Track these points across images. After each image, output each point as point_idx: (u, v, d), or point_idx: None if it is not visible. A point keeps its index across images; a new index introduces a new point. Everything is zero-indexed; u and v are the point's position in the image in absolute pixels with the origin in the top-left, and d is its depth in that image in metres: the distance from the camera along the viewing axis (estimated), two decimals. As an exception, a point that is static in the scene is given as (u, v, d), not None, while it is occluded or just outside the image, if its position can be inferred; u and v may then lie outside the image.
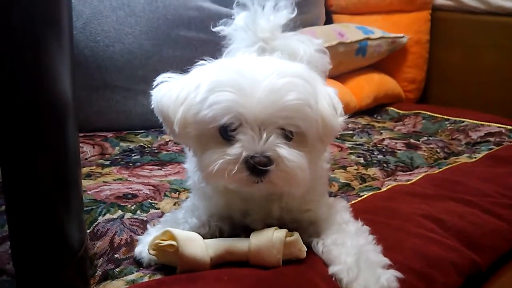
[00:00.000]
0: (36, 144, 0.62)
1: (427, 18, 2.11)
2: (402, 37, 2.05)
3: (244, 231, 0.83)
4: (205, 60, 0.77)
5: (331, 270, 0.73)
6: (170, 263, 0.73)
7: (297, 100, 0.69)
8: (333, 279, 0.72)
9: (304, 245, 0.76)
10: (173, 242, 0.70)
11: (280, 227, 0.77)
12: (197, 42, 1.55)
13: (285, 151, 0.69)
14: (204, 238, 0.75)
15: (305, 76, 0.73)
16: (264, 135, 0.69)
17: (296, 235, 0.74)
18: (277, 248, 0.71)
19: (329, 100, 0.76)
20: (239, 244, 0.74)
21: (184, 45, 1.54)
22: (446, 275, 0.80)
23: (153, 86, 0.78)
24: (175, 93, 0.74)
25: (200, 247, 0.71)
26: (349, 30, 1.96)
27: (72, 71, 0.65)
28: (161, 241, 0.71)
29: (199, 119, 0.71)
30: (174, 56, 1.52)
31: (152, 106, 0.78)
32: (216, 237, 0.80)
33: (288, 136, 0.71)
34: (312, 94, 0.72)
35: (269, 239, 0.71)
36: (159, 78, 0.78)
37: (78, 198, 0.70)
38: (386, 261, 0.73)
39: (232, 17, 0.95)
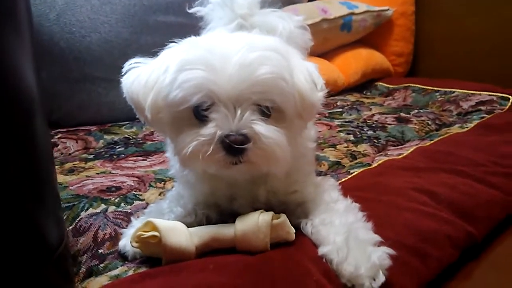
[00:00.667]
0: (1, 141, 0.59)
1: (411, -11, 2.08)
2: (387, 9, 2.01)
3: (232, 217, 0.81)
4: (175, 42, 0.74)
5: (321, 251, 0.71)
6: (154, 255, 0.71)
7: (270, 74, 0.66)
8: (323, 260, 0.70)
9: (292, 227, 0.73)
10: (156, 233, 0.67)
11: (267, 211, 0.74)
12: (176, 26, 1.51)
13: (262, 128, 0.66)
14: (191, 227, 0.72)
15: (278, 49, 0.70)
16: (239, 112, 0.66)
17: (283, 217, 0.72)
18: (263, 232, 0.69)
19: (307, 75, 0.73)
20: (225, 230, 0.71)
21: (163, 31, 1.50)
22: (441, 249, 0.77)
23: (122, 73, 0.75)
24: (144, 78, 0.71)
25: (184, 236, 0.68)
26: (332, 6, 1.93)
27: (34, 64, 0.62)
28: (143, 233, 0.68)
29: (169, 101, 0.68)
30: (153, 42, 1.47)
31: (124, 95, 0.75)
32: (203, 225, 0.77)
33: (265, 112, 0.68)
34: (286, 68, 0.69)
35: (255, 223, 0.69)
36: (127, 65, 0.74)
37: (53, 194, 0.67)
38: (377, 238, 0.70)
39: (209, -2, 0.92)
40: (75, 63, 1.42)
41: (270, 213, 0.70)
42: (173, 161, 0.84)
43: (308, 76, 0.73)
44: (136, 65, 0.74)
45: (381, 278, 0.65)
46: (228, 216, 0.80)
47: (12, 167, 0.60)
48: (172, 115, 0.69)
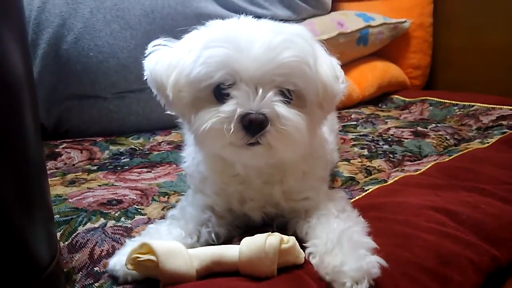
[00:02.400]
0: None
1: (429, 0, 2.02)
2: (404, 21, 1.96)
3: (240, 234, 0.79)
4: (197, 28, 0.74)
5: (308, 244, 0.69)
6: (152, 277, 0.66)
7: (294, 57, 0.66)
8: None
9: (301, 251, 0.68)
10: (152, 257, 0.62)
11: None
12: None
13: (283, 109, 0.66)
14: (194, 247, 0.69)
15: (303, 35, 0.70)
16: (260, 92, 0.65)
17: (292, 241, 0.66)
18: (270, 259, 0.63)
19: (330, 66, 0.74)
20: (228, 253, 0.66)
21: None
22: (463, 274, 0.71)
23: (145, 56, 0.75)
24: (167, 58, 0.72)
25: (183, 259, 0.63)
26: (348, 18, 1.88)
27: (26, 53, 0.58)
28: (140, 255, 0.63)
29: (192, 78, 0.68)
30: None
31: (145, 78, 0.75)
32: (210, 245, 0.73)
33: (286, 97, 0.68)
34: (311, 54, 0.69)
35: (261, 248, 0.63)
36: (150, 46, 0.76)
37: (44, 207, 0.63)
38: (372, 244, 0.66)
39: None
40: (90, 85, 1.38)
41: (279, 237, 0.65)
42: (189, 158, 0.83)
43: (332, 67, 0.73)
44: (159, 47, 0.75)
45: (365, 285, 0.60)
46: (236, 231, 0.80)
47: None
48: (193, 94, 0.69)
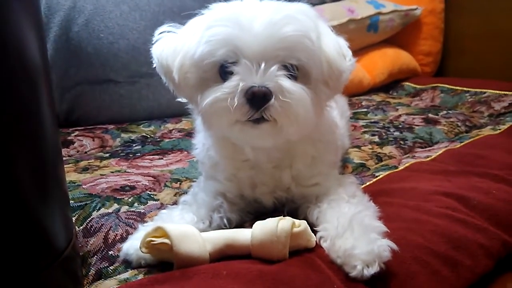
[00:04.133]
0: (8, 135, 0.55)
1: (440, -14, 2.00)
2: (416, 9, 1.94)
3: (251, 220, 0.80)
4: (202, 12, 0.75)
5: (319, 228, 0.70)
6: (165, 260, 0.67)
7: (295, 31, 0.67)
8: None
9: (313, 235, 0.69)
10: (166, 240, 0.63)
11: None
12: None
13: (287, 82, 0.66)
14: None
15: (306, 12, 0.71)
16: (263, 66, 0.65)
17: (304, 225, 0.67)
18: (282, 243, 0.64)
19: (336, 44, 0.74)
20: (241, 237, 0.66)
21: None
22: (473, 258, 0.72)
23: (152, 43, 0.77)
24: (173, 44, 0.74)
25: (196, 243, 0.64)
26: (359, 5, 1.87)
27: (41, 36, 0.58)
28: (154, 239, 0.64)
29: (196, 58, 0.69)
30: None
31: (154, 65, 0.77)
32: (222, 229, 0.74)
33: (291, 72, 0.68)
34: (313, 29, 0.70)
35: (273, 232, 0.64)
36: (157, 33, 0.77)
37: (60, 193, 0.64)
38: (383, 228, 0.67)
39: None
40: (101, 68, 1.39)
41: (290, 221, 0.65)
42: (200, 144, 0.84)
43: (337, 45, 0.73)
44: (165, 34, 0.76)
45: (375, 268, 0.61)
46: (248, 215, 0.81)
47: (18, 161, 0.57)
48: (199, 75, 0.71)
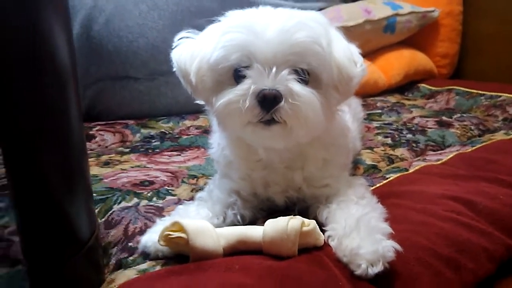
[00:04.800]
0: (38, 132, 0.60)
1: (459, -12, 2.00)
2: (433, 11, 1.94)
3: (264, 216, 0.83)
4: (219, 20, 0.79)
5: (328, 228, 0.73)
6: (182, 253, 0.71)
7: (306, 38, 0.70)
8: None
9: (321, 234, 0.72)
10: (183, 235, 0.67)
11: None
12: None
13: (297, 86, 0.70)
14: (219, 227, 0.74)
15: (317, 19, 0.75)
16: (274, 70, 0.69)
17: (313, 224, 0.70)
18: (292, 241, 0.68)
19: (347, 50, 0.77)
20: (253, 234, 0.70)
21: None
22: (476, 261, 0.74)
23: (172, 47, 0.81)
24: (191, 48, 0.78)
25: (211, 238, 0.68)
26: (376, 6, 1.88)
27: (69, 35, 0.62)
28: (171, 233, 0.68)
29: (212, 62, 0.73)
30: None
31: (174, 70, 0.81)
32: (236, 225, 0.78)
33: (302, 76, 0.72)
34: (324, 35, 0.73)
35: (283, 230, 0.67)
36: (176, 38, 0.81)
37: (85, 187, 0.69)
38: (389, 229, 0.70)
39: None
40: (121, 66, 1.44)
41: (300, 220, 0.69)
42: (216, 144, 0.88)
43: (348, 52, 0.77)
44: (184, 40, 0.80)
45: (379, 268, 0.64)
46: (260, 214, 0.84)
47: (46, 156, 0.61)
48: (215, 78, 0.74)
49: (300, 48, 0.70)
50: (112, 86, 1.46)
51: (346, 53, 0.76)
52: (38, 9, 0.56)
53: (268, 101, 0.68)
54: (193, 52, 0.77)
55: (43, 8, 0.57)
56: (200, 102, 0.82)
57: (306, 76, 0.72)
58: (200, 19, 1.51)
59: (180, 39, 0.81)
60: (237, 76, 0.72)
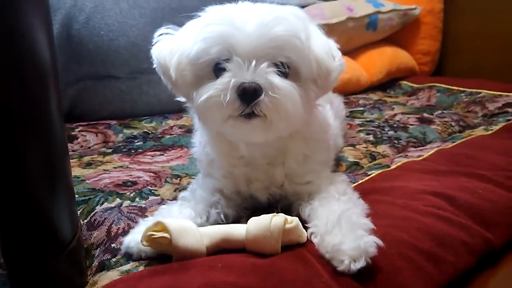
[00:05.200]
0: (18, 132, 0.59)
1: (440, -14, 2.03)
2: (415, 8, 1.97)
3: (247, 215, 0.83)
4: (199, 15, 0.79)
5: (310, 225, 0.74)
6: (165, 253, 0.71)
7: (285, 31, 0.71)
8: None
9: (304, 231, 0.73)
10: (166, 234, 0.67)
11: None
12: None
13: (276, 79, 0.70)
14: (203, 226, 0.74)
15: (296, 14, 0.76)
16: (253, 64, 0.70)
17: (296, 222, 0.71)
18: (275, 238, 0.68)
19: (325, 45, 0.78)
20: (236, 232, 0.70)
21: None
22: (456, 255, 0.75)
23: (152, 44, 0.81)
24: (170, 44, 0.78)
25: (194, 237, 0.68)
26: (358, 4, 1.90)
27: (50, 35, 0.61)
28: (154, 233, 0.68)
29: (192, 56, 0.73)
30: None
31: (154, 66, 0.81)
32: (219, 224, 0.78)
33: (281, 70, 0.72)
34: (302, 29, 0.74)
35: (266, 228, 0.68)
36: (156, 35, 0.81)
37: (67, 188, 0.68)
38: (370, 225, 0.71)
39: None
40: (102, 64, 1.43)
41: (283, 218, 0.69)
42: (198, 143, 0.88)
43: (326, 46, 0.78)
44: (164, 36, 0.80)
45: (362, 263, 0.65)
46: (245, 211, 0.85)
47: (29, 157, 0.60)
48: (195, 73, 0.75)
49: (279, 41, 0.71)
50: (93, 85, 1.45)
51: (324, 48, 0.77)
52: (17, 6, 0.56)
53: (248, 94, 0.69)
54: (173, 47, 0.78)
55: (23, 5, 0.56)
56: (181, 99, 0.82)
57: (285, 69, 0.73)
58: (181, 15, 1.51)
59: (160, 35, 0.81)
60: (217, 70, 0.73)
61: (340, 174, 0.91)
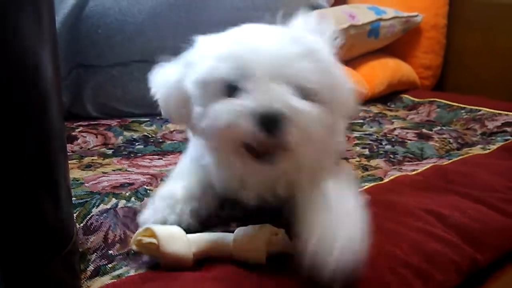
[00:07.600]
0: (15, 132, 0.59)
1: (444, 1, 2.05)
2: (416, 15, 1.98)
3: (236, 219, 0.83)
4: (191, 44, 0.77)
5: (298, 232, 0.71)
6: (154, 257, 0.72)
7: (305, 51, 0.69)
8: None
9: (289, 241, 0.73)
10: (154, 240, 0.69)
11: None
12: (200, 24, 1.51)
13: (297, 102, 0.66)
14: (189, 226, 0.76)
15: (317, 44, 0.74)
16: (274, 87, 0.65)
17: (282, 234, 0.72)
18: (261, 251, 0.70)
19: (342, 68, 0.77)
20: (223, 241, 0.72)
21: (186, 28, 1.51)
22: (444, 273, 0.76)
23: (149, 80, 0.81)
24: (165, 75, 0.77)
25: (182, 244, 0.69)
26: (360, 11, 1.90)
27: (54, 51, 0.62)
28: (143, 238, 0.70)
29: (203, 77, 0.69)
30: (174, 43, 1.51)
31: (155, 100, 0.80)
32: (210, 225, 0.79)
33: (299, 94, 0.68)
34: (321, 51, 0.72)
35: (252, 239, 0.70)
36: (154, 70, 0.80)
37: (65, 191, 0.69)
38: (361, 237, 0.69)
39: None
40: (96, 58, 1.46)
41: (269, 228, 0.71)
42: (194, 152, 0.87)
43: (341, 69, 0.77)
44: (161, 66, 0.79)
45: (348, 274, 0.64)
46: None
47: (26, 155, 0.60)
48: (203, 95, 0.70)
49: (297, 63, 0.68)
50: (85, 71, 1.47)
51: (341, 71, 0.76)
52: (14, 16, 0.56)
53: (270, 121, 0.64)
54: (168, 79, 0.76)
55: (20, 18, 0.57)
56: (180, 127, 0.82)
57: (303, 93, 0.69)
58: (178, 11, 1.52)
59: (156, 70, 0.80)
60: (230, 89, 0.68)
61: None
